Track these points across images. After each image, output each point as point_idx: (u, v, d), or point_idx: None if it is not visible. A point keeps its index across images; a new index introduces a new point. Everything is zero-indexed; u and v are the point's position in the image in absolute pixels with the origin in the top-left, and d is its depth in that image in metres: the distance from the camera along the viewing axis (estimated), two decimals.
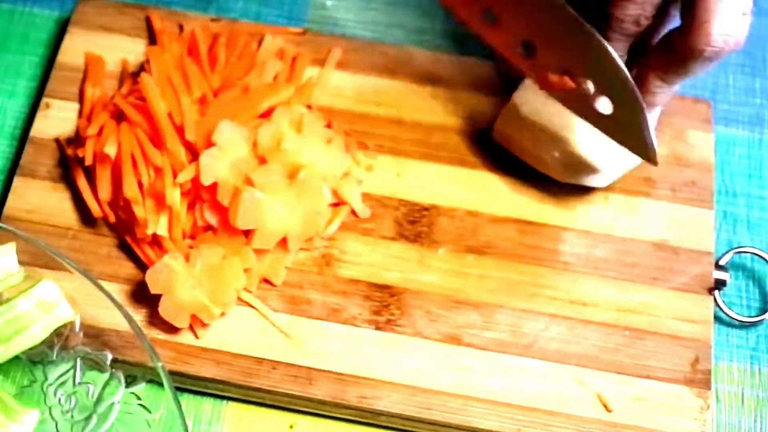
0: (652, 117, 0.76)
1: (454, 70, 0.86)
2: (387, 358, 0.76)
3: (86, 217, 0.79)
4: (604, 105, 0.73)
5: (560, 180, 0.81)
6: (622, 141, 0.74)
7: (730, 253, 0.81)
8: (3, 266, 0.71)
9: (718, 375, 0.79)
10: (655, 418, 0.75)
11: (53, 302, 0.70)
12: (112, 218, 0.79)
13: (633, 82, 0.71)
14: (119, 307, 0.71)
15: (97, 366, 0.72)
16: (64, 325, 0.72)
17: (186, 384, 0.76)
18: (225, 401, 0.77)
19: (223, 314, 0.76)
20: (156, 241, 0.77)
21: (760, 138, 0.88)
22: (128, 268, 0.78)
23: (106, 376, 0.72)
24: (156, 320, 0.75)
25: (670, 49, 0.72)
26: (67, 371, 0.73)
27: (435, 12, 0.92)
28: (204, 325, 0.75)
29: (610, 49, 0.70)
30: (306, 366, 0.75)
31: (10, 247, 0.72)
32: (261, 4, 0.92)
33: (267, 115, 0.80)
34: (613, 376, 0.76)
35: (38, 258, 0.72)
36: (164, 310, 0.74)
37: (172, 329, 0.75)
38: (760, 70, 0.91)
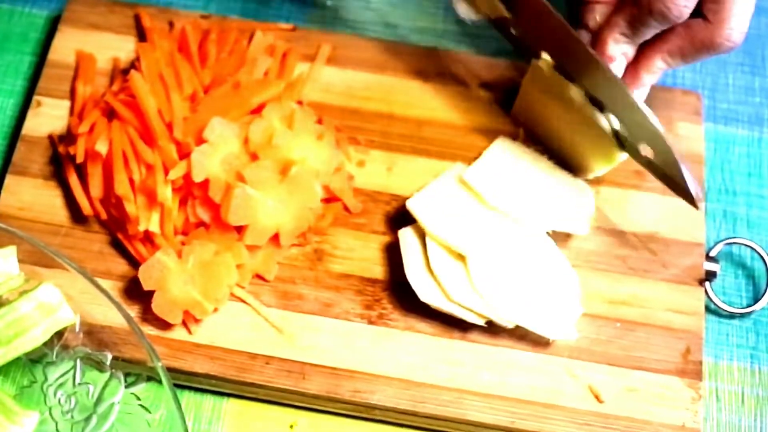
0: (641, 97, 0.77)
1: (444, 64, 0.86)
2: (380, 352, 0.76)
3: (78, 215, 0.79)
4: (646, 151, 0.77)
5: (575, 159, 0.81)
6: (670, 186, 0.78)
7: (721, 245, 0.81)
8: (4, 269, 0.71)
9: (719, 374, 0.80)
10: (647, 409, 0.75)
11: (54, 305, 0.70)
12: (103, 215, 0.79)
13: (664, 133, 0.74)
14: (119, 307, 0.71)
15: (97, 366, 0.72)
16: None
17: (180, 380, 0.76)
18: (225, 398, 0.77)
19: (215, 310, 0.76)
20: (148, 238, 0.77)
21: (759, 137, 0.88)
22: (120, 265, 0.78)
23: (106, 376, 0.72)
24: (149, 316, 0.75)
25: (689, 37, 0.74)
26: (67, 371, 0.73)
27: (435, 12, 0.92)
28: (197, 320, 0.76)
29: (642, 107, 0.73)
30: (299, 361, 0.75)
31: (11, 251, 0.72)
32: (261, 4, 0.92)
33: (258, 111, 0.80)
34: (605, 368, 0.76)
35: (32, 255, 0.73)
36: (157, 306, 0.75)
37: (165, 325, 0.75)
38: (760, 70, 0.91)
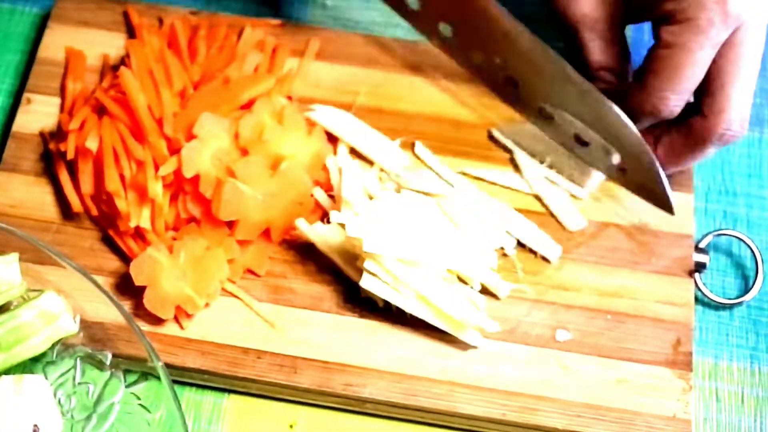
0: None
1: (433, 58, 0.86)
2: (371, 345, 0.76)
3: (69, 211, 0.79)
4: (617, 159, 0.79)
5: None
6: (639, 194, 0.80)
7: (710, 236, 0.82)
8: (6, 276, 0.71)
9: (719, 374, 0.80)
10: (638, 400, 0.75)
11: (56, 314, 0.71)
12: (94, 211, 0.79)
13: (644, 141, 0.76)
14: (118, 305, 0.71)
15: (98, 365, 0.73)
16: None
17: (173, 375, 0.76)
18: (225, 397, 0.77)
19: (207, 305, 0.76)
20: (139, 234, 0.77)
21: (760, 137, 0.88)
22: (112, 261, 0.78)
23: (107, 375, 0.72)
24: (141, 312, 0.75)
25: (688, 133, 0.76)
26: (67, 371, 0.73)
27: None
28: (188, 316, 0.76)
29: (621, 114, 0.75)
30: (291, 355, 0.76)
31: (14, 257, 0.72)
32: (260, 3, 0.92)
33: (248, 106, 0.80)
34: (596, 360, 0.76)
35: (26, 252, 0.73)
36: (149, 301, 0.75)
37: (157, 320, 0.76)
38: (760, 70, 0.91)
